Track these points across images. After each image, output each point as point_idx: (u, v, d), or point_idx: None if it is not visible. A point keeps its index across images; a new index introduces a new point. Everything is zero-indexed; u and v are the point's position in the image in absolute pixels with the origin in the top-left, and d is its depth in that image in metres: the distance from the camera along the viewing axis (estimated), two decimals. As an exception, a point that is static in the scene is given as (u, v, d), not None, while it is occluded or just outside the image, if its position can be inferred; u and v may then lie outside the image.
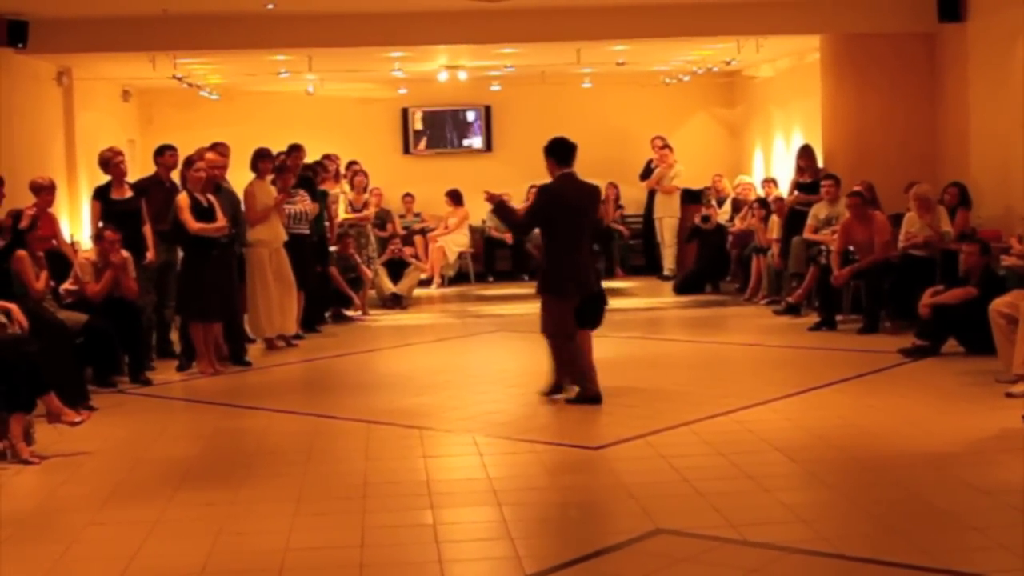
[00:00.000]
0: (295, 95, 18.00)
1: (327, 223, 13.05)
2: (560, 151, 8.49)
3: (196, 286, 9.97)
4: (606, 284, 16.43)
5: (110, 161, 10.44)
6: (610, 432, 7.32)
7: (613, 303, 14.49)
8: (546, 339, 8.54)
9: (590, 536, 5.28)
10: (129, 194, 10.41)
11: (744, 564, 4.89)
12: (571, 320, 8.31)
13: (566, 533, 5.44)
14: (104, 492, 6.36)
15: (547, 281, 8.50)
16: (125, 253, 9.74)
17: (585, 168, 18.41)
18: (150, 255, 10.31)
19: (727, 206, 16.19)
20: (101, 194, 10.40)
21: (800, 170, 13.70)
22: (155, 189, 10.74)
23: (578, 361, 8.37)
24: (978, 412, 7.65)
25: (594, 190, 8.72)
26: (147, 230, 10.34)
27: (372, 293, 14.51)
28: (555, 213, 8.36)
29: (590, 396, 8.28)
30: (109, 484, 6.53)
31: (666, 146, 17.05)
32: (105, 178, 10.55)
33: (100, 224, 10.10)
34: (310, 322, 12.27)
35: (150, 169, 11.16)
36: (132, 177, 10.95)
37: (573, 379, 8.44)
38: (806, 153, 13.78)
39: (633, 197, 18.12)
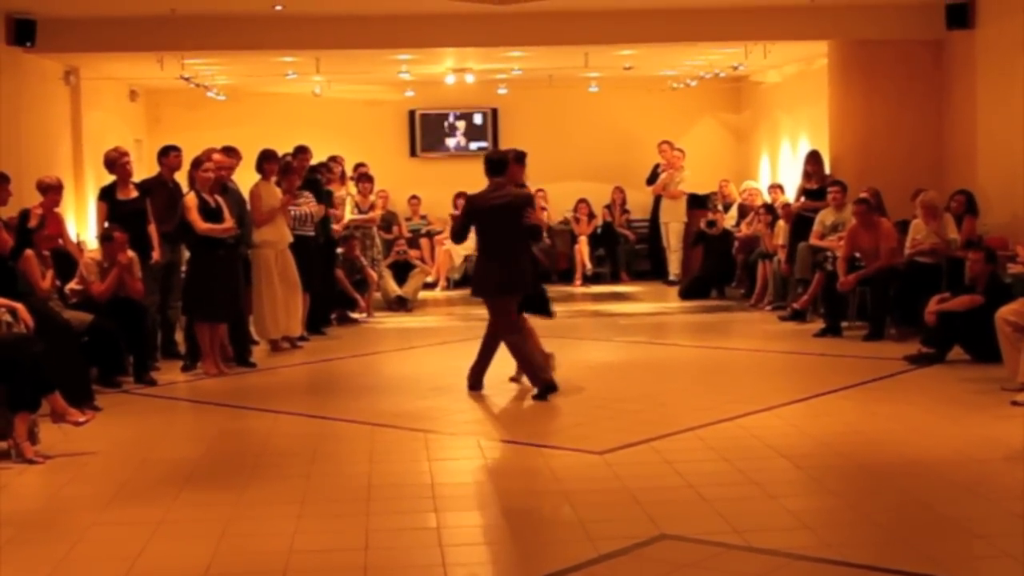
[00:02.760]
0: (302, 96, 18.01)
1: (334, 225, 13.08)
2: (489, 165, 8.98)
3: (203, 287, 9.97)
4: (611, 288, 16.69)
5: (116, 161, 10.43)
6: (615, 437, 7.31)
7: (619, 308, 14.66)
8: (504, 342, 8.99)
9: (594, 541, 5.27)
10: (135, 194, 10.40)
11: (748, 570, 4.88)
12: (515, 314, 8.91)
13: (570, 537, 5.42)
14: (108, 492, 6.35)
15: (479, 284, 9.19)
16: (131, 253, 9.74)
17: (591, 172, 18.65)
18: (156, 255, 10.31)
19: (733, 211, 16.17)
20: (107, 194, 10.40)
21: (807, 176, 13.68)
22: (159, 189, 10.72)
23: (532, 355, 8.89)
24: (984, 420, 7.64)
25: (519, 198, 8.99)
26: (152, 230, 10.34)
27: (377, 295, 14.50)
28: (479, 219, 8.96)
29: (548, 385, 8.72)
30: (113, 484, 6.53)
31: (678, 149, 17.07)
32: (110, 178, 10.55)
33: (106, 224, 10.10)
34: (315, 324, 12.26)
35: (157, 169, 11.14)
36: (137, 177, 10.94)
37: (528, 373, 8.88)
38: (814, 159, 13.77)
39: (639, 202, 18.10)
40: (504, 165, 8.97)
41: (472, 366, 9.13)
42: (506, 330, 8.91)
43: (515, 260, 8.89)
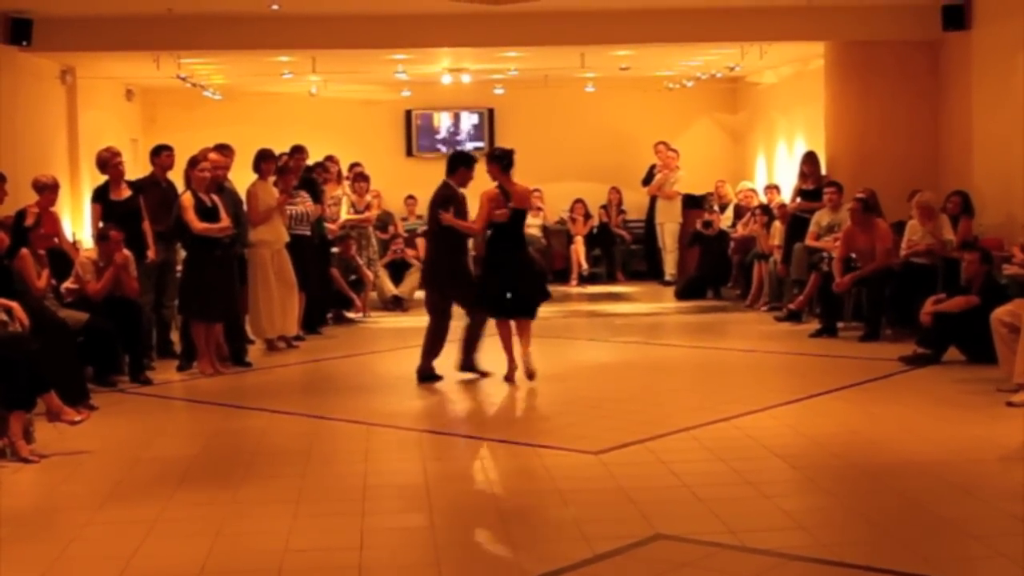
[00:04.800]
0: (298, 96, 18.02)
1: (330, 224, 13.08)
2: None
3: (199, 286, 9.96)
4: (607, 289, 16.69)
5: (108, 162, 10.42)
6: (610, 437, 7.31)
7: (615, 308, 14.66)
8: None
9: (589, 541, 5.27)
10: (128, 194, 10.38)
11: (743, 570, 4.88)
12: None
13: (565, 537, 5.42)
14: (103, 491, 6.35)
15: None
16: (127, 252, 9.74)
17: (588, 172, 18.67)
18: (151, 254, 10.30)
19: (729, 212, 16.19)
20: (100, 195, 10.39)
21: (803, 176, 13.70)
22: (152, 189, 10.71)
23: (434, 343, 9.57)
24: (979, 420, 7.65)
25: (438, 192, 9.52)
26: (147, 227, 10.33)
27: (373, 295, 14.50)
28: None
29: (428, 374, 9.45)
30: (108, 483, 6.52)
31: (673, 150, 17.08)
32: (103, 179, 10.53)
33: (102, 224, 10.08)
34: (311, 323, 12.26)
35: (151, 169, 11.12)
36: (131, 177, 10.91)
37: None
38: (810, 159, 13.79)
39: (635, 202, 18.13)
40: (454, 162, 9.55)
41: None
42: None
43: (435, 252, 9.70)
